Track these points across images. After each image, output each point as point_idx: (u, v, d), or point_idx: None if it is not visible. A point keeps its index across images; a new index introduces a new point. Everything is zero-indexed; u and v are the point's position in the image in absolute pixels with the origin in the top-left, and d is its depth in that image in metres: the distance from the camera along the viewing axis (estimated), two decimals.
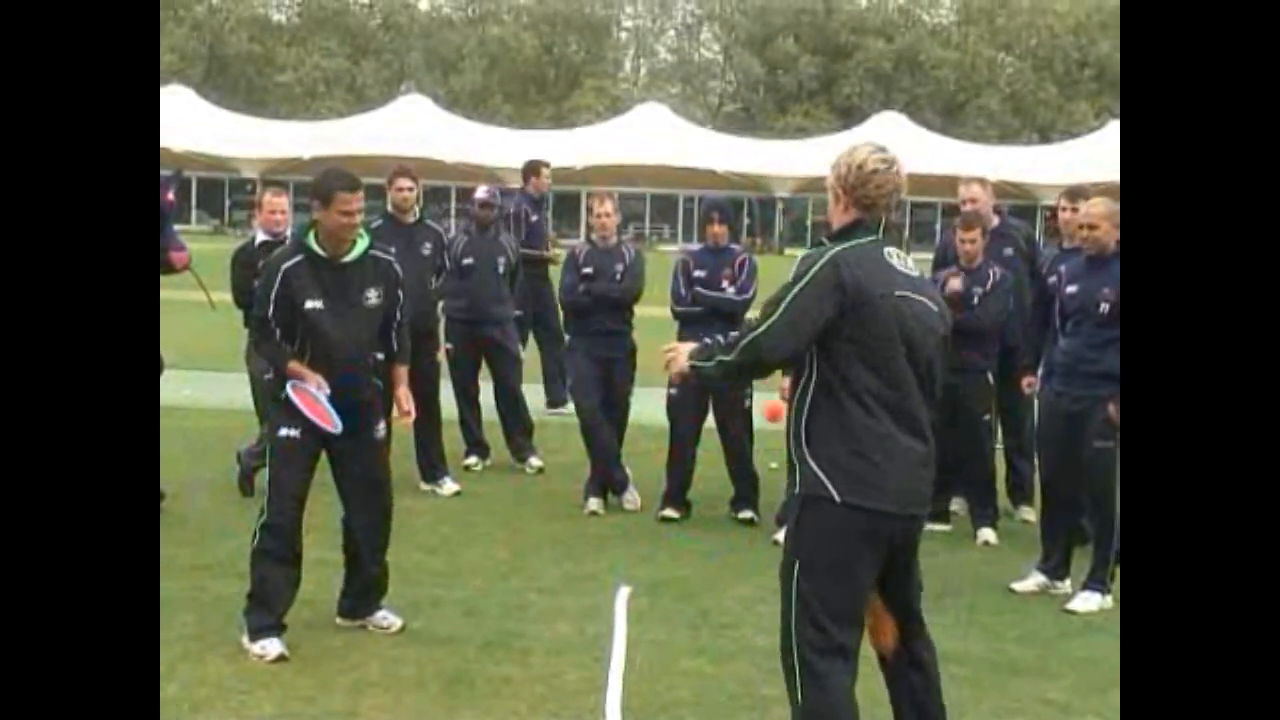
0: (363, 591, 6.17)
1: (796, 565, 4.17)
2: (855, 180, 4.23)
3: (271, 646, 5.73)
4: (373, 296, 5.98)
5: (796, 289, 4.11)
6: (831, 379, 4.13)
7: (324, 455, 6.06)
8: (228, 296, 8.60)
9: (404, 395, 6.33)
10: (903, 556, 4.30)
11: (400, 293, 6.14)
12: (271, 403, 6.12)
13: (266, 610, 5.82)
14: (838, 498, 4.10)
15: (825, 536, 4.13)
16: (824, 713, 4.16)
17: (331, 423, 5.79)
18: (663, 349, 4.52)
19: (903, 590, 4.36)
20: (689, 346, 4.41)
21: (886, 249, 4.24)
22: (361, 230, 6.00)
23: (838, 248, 4.18)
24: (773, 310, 4.12)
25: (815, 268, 4.12)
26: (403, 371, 6.38)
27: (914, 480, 4.21)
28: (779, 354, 4.14)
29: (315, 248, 5.89)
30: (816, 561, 4.14)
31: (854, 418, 4.10)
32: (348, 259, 5.92)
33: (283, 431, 5.88)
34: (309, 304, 5.85)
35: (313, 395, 5.80)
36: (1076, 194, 8.09)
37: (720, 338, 4.36)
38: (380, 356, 6.24)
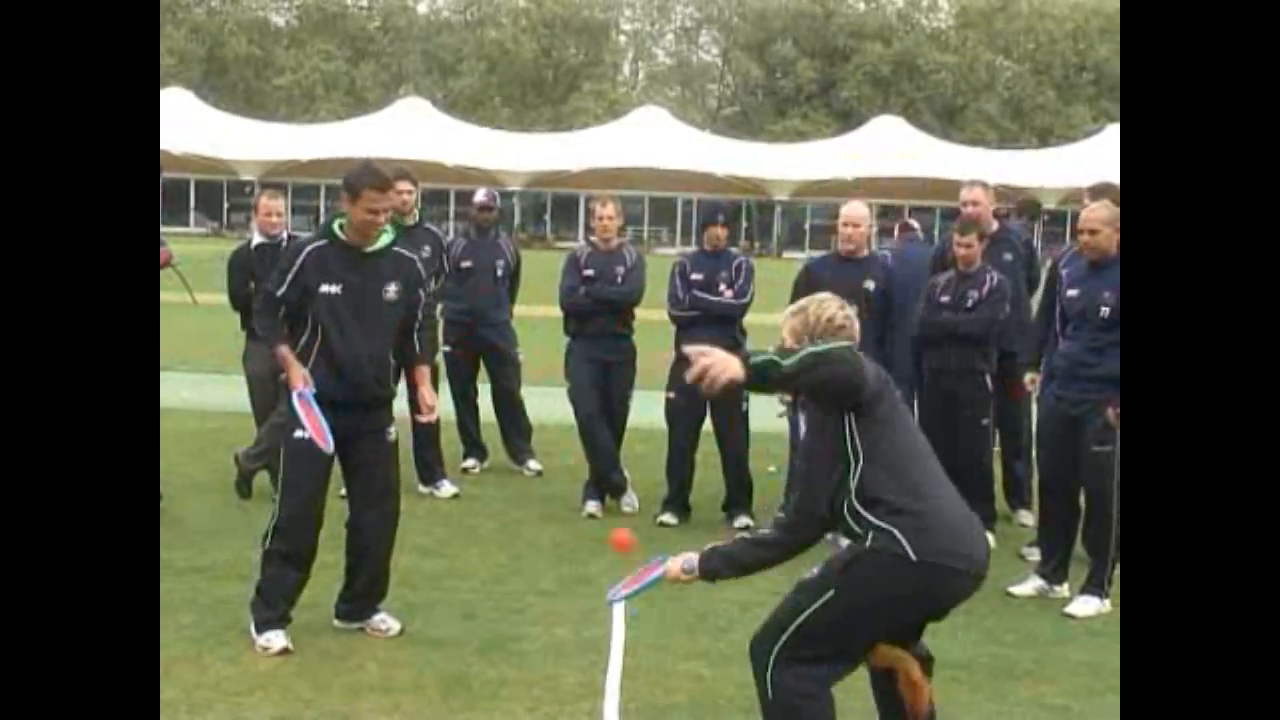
0: (363, 594, 6.17)
1: (829, 595, 4.15)
2: (823, 331, 4.38)
3: (275, 639, 5.75)
4: (391, 290, 5.98)
5: (820, 352, 4.06)
6: (876, 453, 4.16)
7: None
8: (209, 299, 8.58)
9: (428, 393, 6.33)
10: (946, 605, 4.31)
11: (421, 293, 6.17)
12: (284, 405, 6.09)
13: (271, 608, 5.85)
14: (913, 556, 4.08)
15: (877, 587, 4.12)
16: (798, 701, 4.17)
17: (325, 440, 5.74)
18: (695, 350, 4.00)
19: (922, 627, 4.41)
20: (722, 354, 3.98)
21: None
22: (388, 226, 6.04)
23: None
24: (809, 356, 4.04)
25: (828, 347, 4.10)
26: (425, 371, 6.40)
27: (977, 537, 4.30)
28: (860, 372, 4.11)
29: (341, 235, 5.93)
30: (856, 605, 4.13)
31: (906, 484, 4.15)
32: (371, 249, 5.94)
33: (298, 433, 5.86)
34: (325, 288, 5.85)
35: (315, 411, 5.78)
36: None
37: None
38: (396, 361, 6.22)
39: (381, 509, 6.11)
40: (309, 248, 5.92)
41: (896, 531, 4.09)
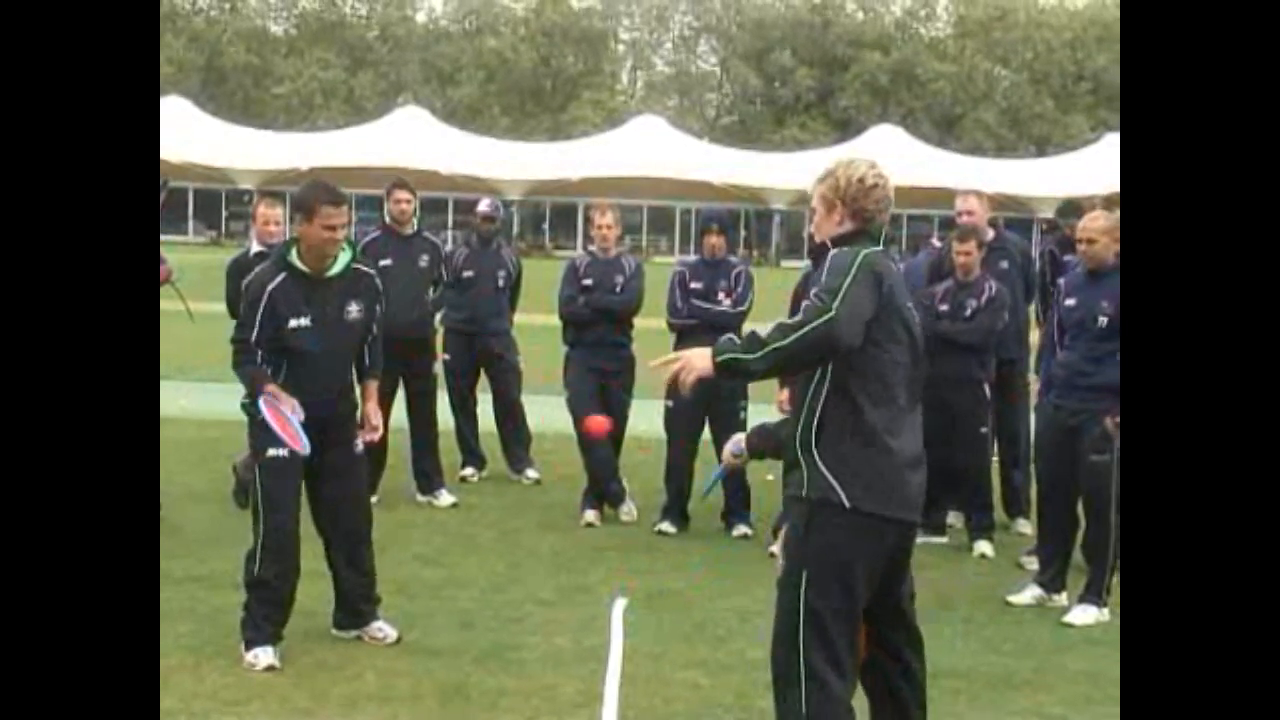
0: (355, 603, 6.15)
1: (804, 576, 4.15)
2: (856, 193, 4.29)
3: (262, 656, 5.72)
4: (354, 310, 5.94)
5: (849, 280, 4.06)
6: (848, 381, 4.15)
7: None
8: (208, 307, 8.56)
9: (372, 411, 6.22)
10: (897, 562, 4.31)
11: (379, 307, 6.10)
12: (253, 425, 5.98)
13: (258, 629, 5.81)
14: (847, 503, 4.11)
15: (832, 544, 4.13)
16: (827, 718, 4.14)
17: (301, 444, 5.69)
18: (660, 362, 4.27)
19: (894, 597, 4.36)
20: (697, 351, 4.16)
21: (890, 259, 4.32)
22: (344, 244, 5.95)
23: (866, 249, 4.19)
24: (832, 299, 4.03)
25: (858, 263, 4.10)
26: (373, 387, 6.29)
27: (915, 486, 4.27)
28: (847, 340, 4.03)
29: (298, 264, 5.84)
30: (823, 571, 4.13)
31: (867, 421, 4.14)
32: (331, 273, 5.88)
33: (271, 451, 5.80)
34: (293, 322, 5.79)
35: (285, 415, 5.71)
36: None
37: (736, 337, 4.21)
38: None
39: (351, 523, 6.06)
40: (271, 285, 5.80)
41: (832, 478, 4.12)
